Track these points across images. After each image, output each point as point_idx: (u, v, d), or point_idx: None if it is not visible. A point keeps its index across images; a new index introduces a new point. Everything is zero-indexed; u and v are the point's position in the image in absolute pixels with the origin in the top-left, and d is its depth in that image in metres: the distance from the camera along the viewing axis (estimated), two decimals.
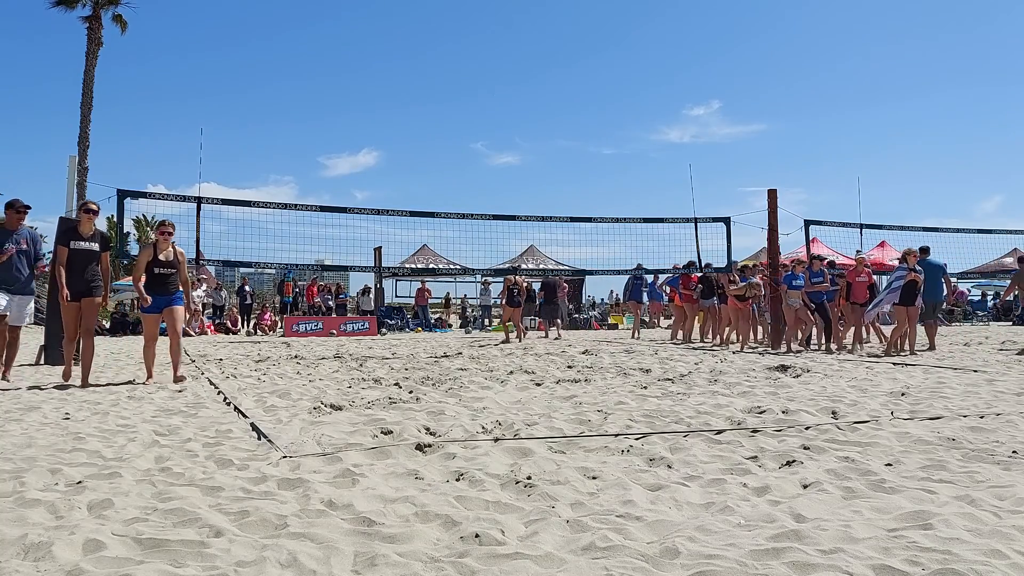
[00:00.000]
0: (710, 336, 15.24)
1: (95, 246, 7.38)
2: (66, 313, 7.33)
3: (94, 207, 7.48)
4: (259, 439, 4.40)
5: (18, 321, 7.78)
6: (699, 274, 15.69)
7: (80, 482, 3.33)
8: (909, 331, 11.47)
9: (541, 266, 26.83)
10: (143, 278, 7.50)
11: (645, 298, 19.09)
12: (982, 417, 4.95)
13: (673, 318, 16.84)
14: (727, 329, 14.17)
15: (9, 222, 7.65)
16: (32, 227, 8.18)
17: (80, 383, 7.22)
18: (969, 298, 30.12)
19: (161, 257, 7.55)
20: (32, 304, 7.95)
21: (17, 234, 7.65)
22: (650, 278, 18.91)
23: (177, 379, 7.51)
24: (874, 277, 13.33)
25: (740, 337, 13.31)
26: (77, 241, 7.28)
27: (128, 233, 27.79)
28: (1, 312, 7.54)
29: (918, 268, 11.66)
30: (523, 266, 25.95)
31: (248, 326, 23.83)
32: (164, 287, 7.58)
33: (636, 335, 17.80)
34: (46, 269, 8.33)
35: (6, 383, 7.34)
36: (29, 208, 7.75)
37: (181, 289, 7.72)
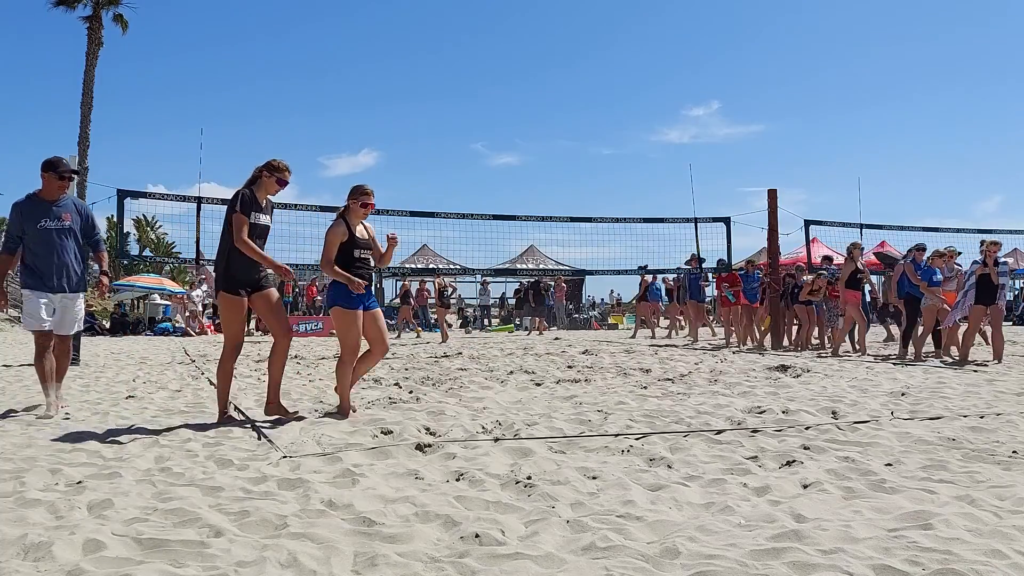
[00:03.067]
0: (784, 340, 13.40)
1: (270, 221, 5.21)
2: (227, 313, 5.07)
3: (287, 174, 5.14)
4: (259, 439, 4.40)
5: (65, 328, 5.51)
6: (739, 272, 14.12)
7: (80, 482, 3.33)
8: (990, 333, 9.90)
9: (541, 266, 26.86)
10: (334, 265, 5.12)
11: (704, 296, 16.47)
12: (982, 417, 4.95)
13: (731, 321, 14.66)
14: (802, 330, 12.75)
15: (48, 190, 5.43)
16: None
17: (268, 408, 5.10)
18: None
19: (358, 235, 5.23)
20: (83, 303, 5.66)
21: (58, 206, 5.44)
22: (661, 278, 18.61)
23: (348, 410, 5.24)
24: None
25: (837, 335, 11.65)
26: (257, 213, 5.03)
27: (128, 233, 27.82)
28: (44, 329, 5.38)
29: (1001, 261, 9.89)
30: (523, 266, 25.98)
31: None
32: (368, 279, 5.37)
33: (694, 338, 15.60)
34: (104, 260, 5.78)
35: (58, 414, 5.29)
36: (76, 174, 5.71)
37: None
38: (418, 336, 17.24)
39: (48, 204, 5.43)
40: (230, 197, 5.12)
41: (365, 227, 5.32)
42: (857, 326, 11.68)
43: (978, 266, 9.81)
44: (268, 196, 5.15)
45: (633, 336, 18.23)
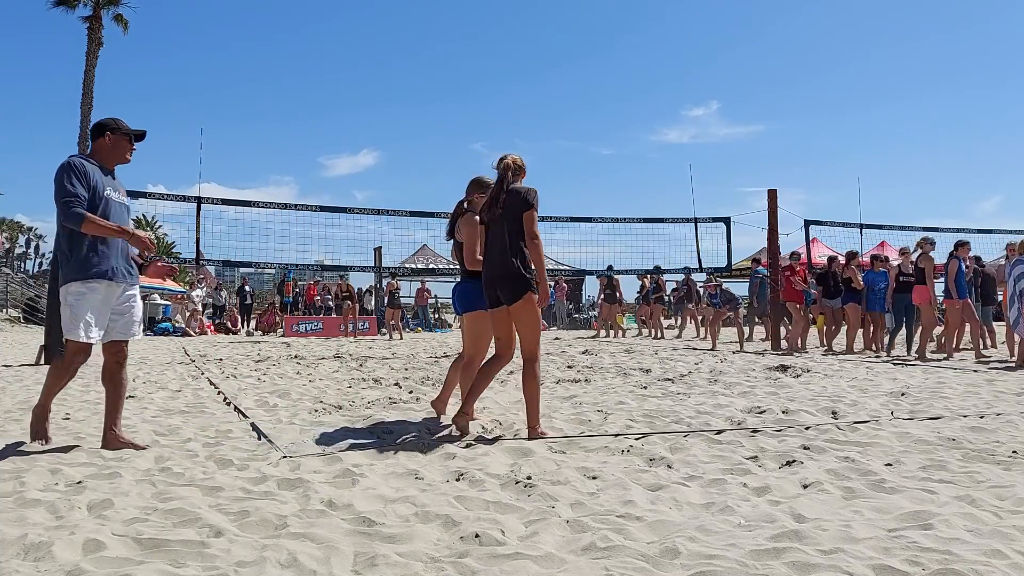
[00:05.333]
0: (826, 342, 12.74)
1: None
2: (530, 315, 4.45)
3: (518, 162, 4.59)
4: (259, 439, 4.40)
5: (128, 330, 4.31)
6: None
7: (80, 482, 3.33)
8: None
9: None
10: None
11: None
12: (982, 417, 4.95)
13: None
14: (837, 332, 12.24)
15: (112, 156, 4.21)
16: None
17: (531, 429, 4.39)
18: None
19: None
20: (138, 296, 4.38)
21: (115, 177, 4.26)
22: (659, 278, 18.59)
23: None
24: None
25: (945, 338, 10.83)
26: None
27: None
28: (90, 340, 4.08)
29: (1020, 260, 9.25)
30: None
31: (248, 326, 23.82)
32: None
33: (741, 346, 13.59)
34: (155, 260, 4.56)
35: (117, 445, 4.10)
36: (143, 135, 4.31)
37: None
38: (401, 337, 18.52)
39: (108, 172, 4.19)
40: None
41: None
42: (924, 327, 10.79)
43: None
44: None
45: (597, 336, 18.85)
